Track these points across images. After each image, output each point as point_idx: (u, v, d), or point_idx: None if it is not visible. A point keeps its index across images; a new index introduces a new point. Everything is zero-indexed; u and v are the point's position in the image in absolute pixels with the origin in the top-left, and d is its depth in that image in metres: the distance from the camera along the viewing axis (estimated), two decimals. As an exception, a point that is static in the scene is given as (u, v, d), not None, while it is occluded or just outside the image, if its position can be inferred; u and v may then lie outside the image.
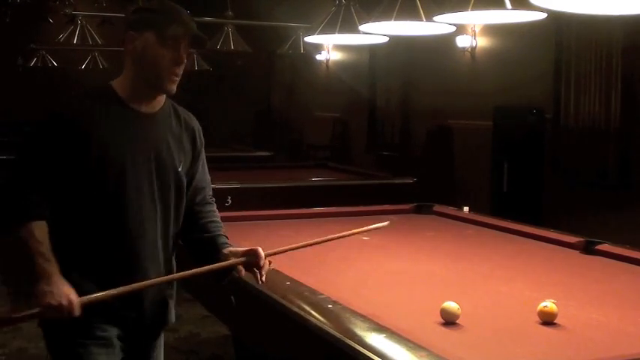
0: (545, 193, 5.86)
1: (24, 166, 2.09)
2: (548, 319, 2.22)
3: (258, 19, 8.41)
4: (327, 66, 9.77)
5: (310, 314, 2.22)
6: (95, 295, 2.03)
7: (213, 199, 2.39)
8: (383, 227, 2.57)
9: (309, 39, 5.54)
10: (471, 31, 6.77)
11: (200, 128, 2.32)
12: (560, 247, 3.34)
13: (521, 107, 6.04)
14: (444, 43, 6.54)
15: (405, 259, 3.25)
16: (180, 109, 2.28)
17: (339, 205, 4.44)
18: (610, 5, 2.73)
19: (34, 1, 9.09)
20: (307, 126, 10.40)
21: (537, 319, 2.23)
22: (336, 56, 9.64)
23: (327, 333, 2.07)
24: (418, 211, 4.35)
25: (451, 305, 2.22)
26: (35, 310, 2.00)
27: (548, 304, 2.23)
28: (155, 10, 2.14)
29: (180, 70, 2.13)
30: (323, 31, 4.72)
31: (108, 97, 2.13)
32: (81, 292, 2.01)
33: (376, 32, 4.23)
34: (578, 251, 3.25)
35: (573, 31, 5.62)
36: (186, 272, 2.17)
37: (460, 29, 6.41)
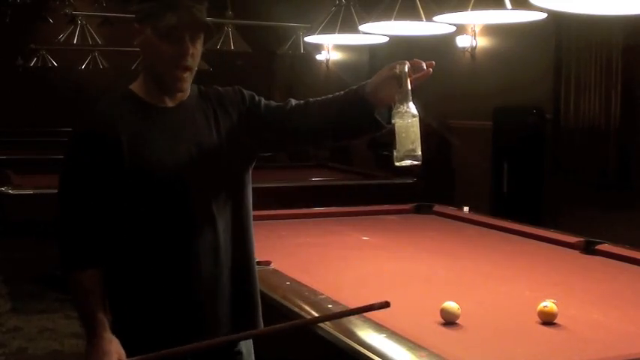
0: (545, 194, 5.86)
1: (69, 201, 1.85)
2: (548, 319, 2.21)
3: (258, 19, 8.41)
4: (327, 66, 9.76)
5: (310, 314, 2.23)
6: (143, 356, 1.80)
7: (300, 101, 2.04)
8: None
9: (309, 39, 5.54)
10: (471, 31, 6.77)
11: (237, 88, 2.06)
12: (560, 247, 3.34)
13: (521, 107, 6.03)
14: (444, 43, 6.53)
15: (405, 259, 3.25)
16: (205, 87, 2.04)
17: (339, 205, 4.44)
18: (610, 5, 2.73)
19: (34, 1, 9.08)
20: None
21: (537, 319, 2.23)
22: (336, 56, 9.63)
23: (328, 333, 2.07)
24: (418, 211, 4.34)
25: (451, 305, 2.22)
26: None
27: (548, 304, 2.23)
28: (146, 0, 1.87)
29: (189, 63, 1.86)
30: (323, 31, 4.73)
31: (130, 100, 1.92)
32: (133, 349, 1.81)
33: (376, 32, 4.23)
34: (578, 251, 3.25)
35: (573, 31, 5.61)
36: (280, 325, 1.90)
37: (460, 29, 6.41)
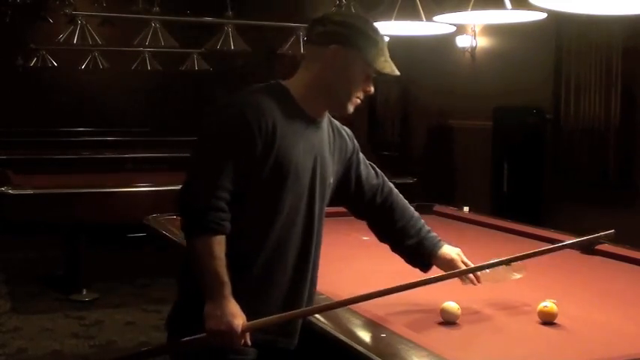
0: (545, 194, 5.86)
1: (208, 168, 1.95)
2: (548, 319, 2.22)
3: (258, 19, 8.41)
4: (327, 66, 9.77)
5: (310, 314, 2.22)
6: (261, 320, 1.96)
7: (391, 185, 2.45)
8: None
9: (309, 39, 5.54)
10: (471, 31, 6.77)
11: (351, 134, 2.33)
12: (561, 247, 3.34)
13: (521, 107, 6.04)
14: (444, 43, 6.54)
15: (405, 259, 3.24)
16: (331, 117, 2.25)
17: (339, 205, 4.44)
18: (610, 5, 2.73)
19: (34, 1, 9.08)
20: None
21: (537, 319, 2.23)
22: (336, 56, 9.63)
23: (327, 332, 2.07)
24: (418, 211, 4.32)
25: (451, 305, 2.22)
26: (201, 335, 1.92)
27: (548, 304, 2.23)
28: (366, 34, 2.06)
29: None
30: (323, 31, 4.72)
31: (285, 98, 2.06)
32: (251, 314, 1.95)
33: (376, 32, 4.23)
34: (578, 251, 3.24)
35: (573, 32, 5.61)
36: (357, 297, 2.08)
37: (460, 29, 6.41)
